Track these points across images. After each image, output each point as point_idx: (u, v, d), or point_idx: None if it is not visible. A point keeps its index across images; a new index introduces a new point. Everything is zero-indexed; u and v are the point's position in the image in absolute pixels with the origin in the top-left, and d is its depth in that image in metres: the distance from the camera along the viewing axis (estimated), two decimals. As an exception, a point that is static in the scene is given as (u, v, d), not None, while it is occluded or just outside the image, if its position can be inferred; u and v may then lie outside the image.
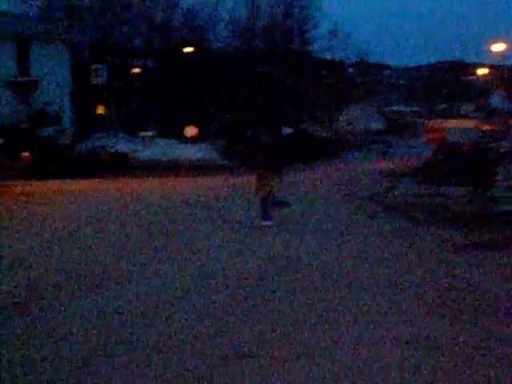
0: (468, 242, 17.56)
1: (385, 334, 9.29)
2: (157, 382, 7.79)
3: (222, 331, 9.55)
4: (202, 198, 30.49)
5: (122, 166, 51.58)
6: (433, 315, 10.30)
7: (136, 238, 18.61)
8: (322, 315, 10.36)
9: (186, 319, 10.24)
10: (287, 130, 68.23)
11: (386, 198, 29.41)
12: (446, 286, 12.47)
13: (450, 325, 9.75)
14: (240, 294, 11.89)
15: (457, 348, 8.68)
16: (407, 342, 8.88)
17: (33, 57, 60.77)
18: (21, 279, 13.06)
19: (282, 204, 23.12)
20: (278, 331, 9.50)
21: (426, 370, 7.93)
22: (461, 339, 9.03)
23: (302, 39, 76.59)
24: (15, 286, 12.43)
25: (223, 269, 14.10)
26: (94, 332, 9.56)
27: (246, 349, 8.74)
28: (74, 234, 19.04)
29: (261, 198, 21.18)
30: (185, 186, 38.40)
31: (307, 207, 26.31)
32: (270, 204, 21.12)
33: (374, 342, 8.92)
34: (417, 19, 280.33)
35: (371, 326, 9.67)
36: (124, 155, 54.86)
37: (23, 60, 60.16)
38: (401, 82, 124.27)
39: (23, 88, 59.65)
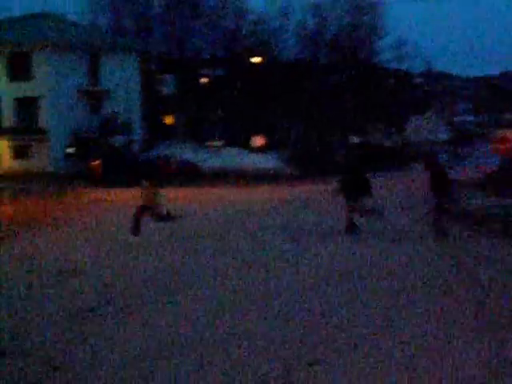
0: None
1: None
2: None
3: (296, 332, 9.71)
4: (270, 206, 30.65)
5: (189, 174, 52.09)
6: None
7: (207, 244, 18.79)
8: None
9: (258, 322, 10.40)
10: (354, 140, 68.21)
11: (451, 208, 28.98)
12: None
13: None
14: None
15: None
16: None
17: (103, 67, 61.89)
18: (94, 285, 13.34)
19: (374, 212, 22.47)
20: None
21: None
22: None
23: (368, 49, 76.46)
24: (88, 292, 12.71)
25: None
26: (164, 336, 9.79)
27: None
28: (145, 241, 19.25)
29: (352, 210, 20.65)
30: (253, 195, 38.58)
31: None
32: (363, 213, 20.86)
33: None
34: (485, 28, 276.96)
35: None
36: (191, 164, 55.44)
37: (94, 70, 61.31)
38: (467, 91, 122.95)
39: (93, 98, 60.79)
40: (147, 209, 19.83)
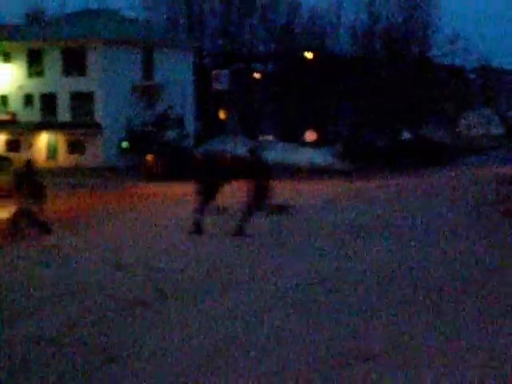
0: None
1: None
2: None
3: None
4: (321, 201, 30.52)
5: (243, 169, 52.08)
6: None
7: (265, 240, 18.64)
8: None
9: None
10: (407, 135, 67.61)
11: (505, 204, 28.48)
12: None
13: None
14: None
15: None
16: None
17: (157, 62, 62.31)
18: (146, 279, 13.36)
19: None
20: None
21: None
22: None
23: (421, 44, 75.83)
24: (140, 286, 12.76)
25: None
26: (214, 332, 9.79)
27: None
28: (199, 236, 19.15)
29: None
30: (308, 189, 38.44)
31: (432, 214, 25.86)
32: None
33: None
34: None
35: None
36: (245, 160, 55.37)
37: (148, 65, 61.76)
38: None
39: (147, 93, 61.18)
40: (206, 204, 19.60)
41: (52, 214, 22.50)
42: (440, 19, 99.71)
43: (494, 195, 31.35)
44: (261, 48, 75.01)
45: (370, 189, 37.69)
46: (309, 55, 66.44)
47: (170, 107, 59.87)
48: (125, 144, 58.68)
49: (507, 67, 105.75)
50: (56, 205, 26.63)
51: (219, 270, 14.23)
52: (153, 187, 39.92)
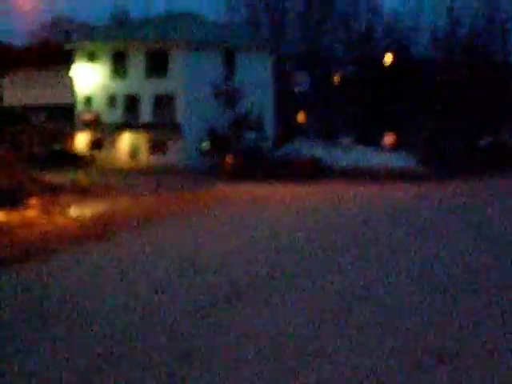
0: None
1: None
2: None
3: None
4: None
5: (319, 171, 52.54)
6: None
7: (337, 241, 19.23)
8: None
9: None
10: (486, 141, 67.08)
11: None
12: None
13: None
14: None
15: None
16: None
17: (238, 65, 63.14)
18: (225, 278, 14.11)
19: None
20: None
21: None
22: None
23: (502, 49, 75.07)
24: (221, 284, 13.42)
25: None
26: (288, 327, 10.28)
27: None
28: (274, 238, 19.69)
29: None
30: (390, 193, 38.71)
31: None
32: None
33: None
34: None
35: None
36: (320, 162, 55.76)
37: (228, 68, 62.62)
38: None
39: (228, 95, 62.01)
40: None
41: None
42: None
43: None
44: (340, 52, 75.23)
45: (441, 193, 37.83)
46: (388, 59, 66.51)
47: (250, 110, 60.64)
48: (205, 145, 59.66)
49: None
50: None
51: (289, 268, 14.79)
52: (233, 187, 40.60)
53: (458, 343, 9.95)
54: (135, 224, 22.26)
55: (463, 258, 16.83)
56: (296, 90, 66.43)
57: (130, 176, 49.16)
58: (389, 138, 62.99)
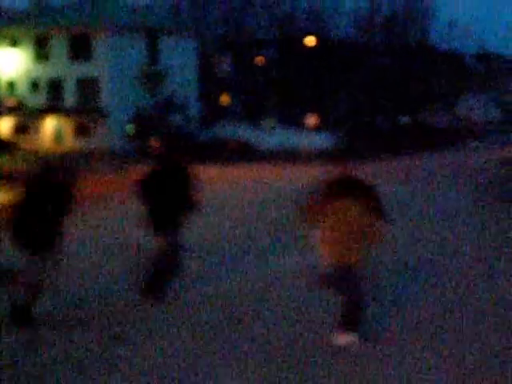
0: None
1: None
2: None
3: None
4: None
5: (244, 153, 53.20)
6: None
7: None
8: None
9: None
10: (404, 119, 68.75)
11: (503, 188, 29.12)
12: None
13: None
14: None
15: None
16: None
17: (161, 48, 63.41)
18: None
19: None
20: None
21: None
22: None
23: (420, 31, 76.95)
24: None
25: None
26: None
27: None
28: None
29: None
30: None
31: (430, 195, 26.99)
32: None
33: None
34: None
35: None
36: (246, 143, 56.52)
37: (152, 51, 62.85)
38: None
39: (152, 78, 62.26)
40: None
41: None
42: (438, 6, 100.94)
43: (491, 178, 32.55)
44: (262, 34, 75.96)
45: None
46: (309, 41, 67.47)
47: (174, 92, 60.98)
48: (129, 128, 59.80)
49: (505, 53, 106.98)
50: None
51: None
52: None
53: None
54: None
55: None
56: (219, 71, 66.96)
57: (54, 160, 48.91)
58: (311, 119, 63.96)
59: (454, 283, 12.34)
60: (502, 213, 21.42)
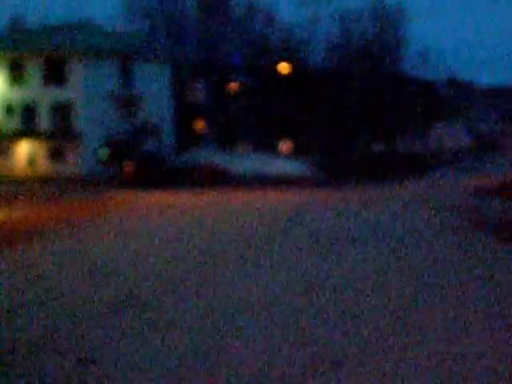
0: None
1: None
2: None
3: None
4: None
5: (218, 179, 53.45)
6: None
7: (231, 249, 20.08)
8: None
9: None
10: (378, 147, 69.39)
11: (472, 213, 29.46)
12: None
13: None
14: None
15: None
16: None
17: (135, 74, 63.65)
18: (119, 286, 14.35)
19: None
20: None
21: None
22: None
23: (393, 58, 77.79)
24: (112, 294, 13.67)
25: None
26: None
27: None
28: (167, 246, 20.24)
29: None
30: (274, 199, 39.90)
31: (399, 219, 27.39)
32: None
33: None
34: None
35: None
36: (219, 169, 56.82)
37: (126, 77, 63.06)
38: (491, 100, 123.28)
39: (126, 104, 62.51)
40: None
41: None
42: (410, 35, 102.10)
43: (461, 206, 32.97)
44: (237, 61, 76.36)
45: (337, 197, 39.34)
46: (282, 68, 67.98)
47: (148, 118, 61.26)
48: (103, 153, 59.93)
49: (475, 81, 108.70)
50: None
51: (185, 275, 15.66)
52: (132, 195, 40.96)
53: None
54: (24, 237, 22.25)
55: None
56: (193, 98, 67.35)
57: (26, 185, 49.04)
58: (285, 146, 64.57)
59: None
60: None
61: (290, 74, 69.02)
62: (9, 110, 63.18)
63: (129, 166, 51.34)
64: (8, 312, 12.28)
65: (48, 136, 61.57)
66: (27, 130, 62.25)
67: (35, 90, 62.10)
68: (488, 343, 10.08)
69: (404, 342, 10.20)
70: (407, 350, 9.75)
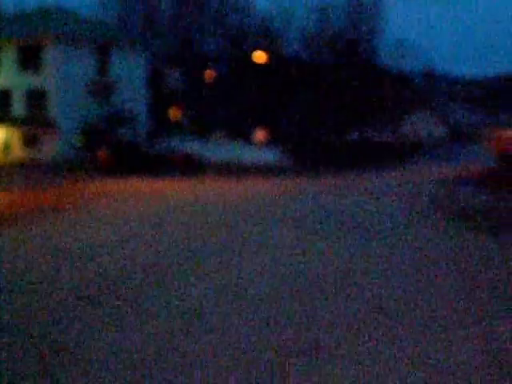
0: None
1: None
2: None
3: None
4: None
5: (192, 167, 53.59)
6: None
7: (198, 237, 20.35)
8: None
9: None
10: (352, 136, 69.78)
11: (445, 202, 29.62)
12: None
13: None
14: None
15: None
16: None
17: (111, 61, 63.70)
18: (91, 273, 14.23)
19: None
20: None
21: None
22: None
23: (368, 49, 78.18)
24: (87, 280, 13.60)
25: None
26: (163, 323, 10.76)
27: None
28: (142, 232, 20.36)
29: None
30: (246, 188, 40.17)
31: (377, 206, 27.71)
32: None
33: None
34: (484, 30, 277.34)
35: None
36: (194, 157, 56.94)
37: (102, 64, 63.12)
38: (464, 92, 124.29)
39: (101, 91, 62.54)
40: None
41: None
42: (386, 25, 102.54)
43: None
44: (214, 49, 76.56)
45: (310, 186, 39.66)
46: (258, 57, 68.21)
47: (124, 105, 61.32)
48: (77, 139, 59.95)
49: (450, 72, 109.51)
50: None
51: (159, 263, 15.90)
52: (107, 183, 40.96)
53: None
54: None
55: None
56: (169, 86, 67.46)
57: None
58: (260, 134, 64.83)
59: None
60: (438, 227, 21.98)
61: (265, 63, 69.30)
62: (-17, 96, 63.04)
63: (103, 153, 51.31)
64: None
65: (23, 122, 61.52)
66: (2, 116, 62.19)
67: (10, 76, 62.04)
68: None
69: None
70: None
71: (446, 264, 15.61)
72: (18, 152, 61.56)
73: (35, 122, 60.95)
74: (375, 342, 9.65)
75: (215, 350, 9.32)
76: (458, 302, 11.90)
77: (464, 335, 10.00)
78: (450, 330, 10.24)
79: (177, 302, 11.79)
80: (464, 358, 9.01)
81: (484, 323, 10.59)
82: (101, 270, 14.42)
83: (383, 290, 12.65)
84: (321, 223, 21.99)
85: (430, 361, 8.95)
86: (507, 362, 8.91)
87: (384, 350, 9.34)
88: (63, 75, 60.51)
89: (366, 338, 9.82)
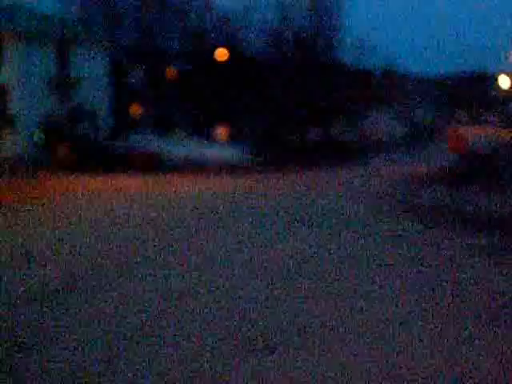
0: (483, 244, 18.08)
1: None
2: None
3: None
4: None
5: (154, 164, 53.42)
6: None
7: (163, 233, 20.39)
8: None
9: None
10: (313, 135, 70.04)
11: (407, 200, 29.78)
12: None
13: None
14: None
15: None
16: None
17: (72, 57, 63.28)
18: (55, 269, 14.11)
19: None
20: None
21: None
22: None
23: (329, 48, 78.41)
24: (51, 276, 13.49)
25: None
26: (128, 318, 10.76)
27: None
28: (107, 228, 20.36)
29: None
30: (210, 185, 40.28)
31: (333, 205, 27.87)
32: None
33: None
34: (445, 29, 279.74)
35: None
36: (156, 154, 56.78)
37: (62, 60, 62.65)
38: (424, 90, 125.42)
39: (62, 87, 62.15)
40: None
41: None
42: (347, 24, 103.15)
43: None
44: (175, 46, 76.32)
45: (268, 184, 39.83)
46: (220, 54, 68.20)
47: (84, 101, 61.00)
48: (36, 136, 59.50)
49: (410, 70, 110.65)
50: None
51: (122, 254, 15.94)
52: (67, 179, 40.77)
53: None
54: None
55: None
56: (131, 83, 67.22)
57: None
58: (222, 131, 64.77)
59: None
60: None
61: (227, 60, 69.26)
62: None
63: (62, 150, 51.00)
64: None
65: (-18, 119, 60.91)
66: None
67: (-32, 72, 61.37)
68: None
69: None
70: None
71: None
72: (-23, 149, 60.91)
73: (-6, 118, 60.37)
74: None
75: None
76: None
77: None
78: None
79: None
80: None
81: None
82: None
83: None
84: (278, 217, 22.11)
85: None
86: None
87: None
88: (23, 71, 59.96)
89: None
